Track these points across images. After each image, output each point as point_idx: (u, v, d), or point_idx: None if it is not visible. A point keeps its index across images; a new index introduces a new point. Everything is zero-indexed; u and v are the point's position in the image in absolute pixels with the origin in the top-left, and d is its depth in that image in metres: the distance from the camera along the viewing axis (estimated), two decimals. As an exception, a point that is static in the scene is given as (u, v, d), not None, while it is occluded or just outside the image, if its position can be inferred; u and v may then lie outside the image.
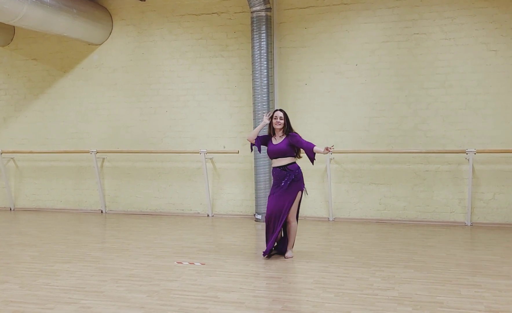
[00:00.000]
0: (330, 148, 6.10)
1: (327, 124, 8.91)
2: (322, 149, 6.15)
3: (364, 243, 7.13)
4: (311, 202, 9.04)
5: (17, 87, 10.58)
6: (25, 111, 10.55)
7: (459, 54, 8.28)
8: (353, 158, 8.83)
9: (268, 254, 6.34)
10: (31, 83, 10.50)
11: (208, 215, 9.52)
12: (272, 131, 6.38)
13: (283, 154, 6.24)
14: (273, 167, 6.33)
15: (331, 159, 8.73)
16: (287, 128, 6.33)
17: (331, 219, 8.88)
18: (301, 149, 6.36)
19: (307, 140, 6.31)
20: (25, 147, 10.51)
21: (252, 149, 6.66)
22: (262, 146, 6.54)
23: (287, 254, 6.34)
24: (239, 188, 9.41)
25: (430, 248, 6.77)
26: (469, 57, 8.25)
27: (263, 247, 6.72)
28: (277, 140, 6.32)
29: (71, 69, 10.24)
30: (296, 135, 6.31)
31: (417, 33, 8.44)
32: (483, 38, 8.18)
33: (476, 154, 8.09)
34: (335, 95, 8.85)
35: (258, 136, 6.45)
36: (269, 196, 6.40)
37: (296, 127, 8.76)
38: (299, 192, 6.27)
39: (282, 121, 6.28)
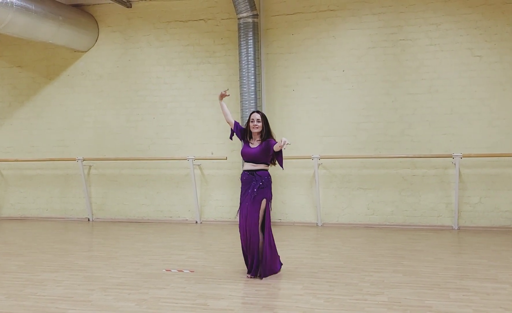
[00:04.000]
0: (283, 144, 5.39)
1: (314, 130, 8.93)
2: (278, 144, 5.52)
3: (353, 248, 7.15)
4: (299, 207, 9.05)
5: (2, 95, 10.45)
6: (10, 119, 10.43)
7: (444, 60, 8.37)
8: (341, 164, 8.87)
9: (253, 272, 5.78)
10: (16, 90, 10.38)
11: (196, 222, 9.48)
12: (249, 134, 5.85)
13: (255, 160, 5.72)
14: (243, 170, 5.83)
15: (319, 164, 8.75)
16: (266, 133, 5.75)
17: (319, 225, 8.89)
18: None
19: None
20: (10, 155, 10.38)
21: (231, 137, 6.06)
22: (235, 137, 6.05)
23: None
24: (228, 195, 9.39)
25: (418, 252, 6.82)
26: (454, 63, 8.34)
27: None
28: (254, 143, 5.80)
29: (57, 76, 10.15)
30: (271, 140, 5.74)
31: (403, 39, 8.52)
32: (467, 44, 8.28)
33: (462, 158, 8.17)
34: (322, 101, 8.89)
35: (237, 126, 5.91)
36: (240, 204, 5.86)
37: (284, 132, 8.84)
38: (264, 200, 5.69)
39: (260, 124, 5.72)
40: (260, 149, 5.72)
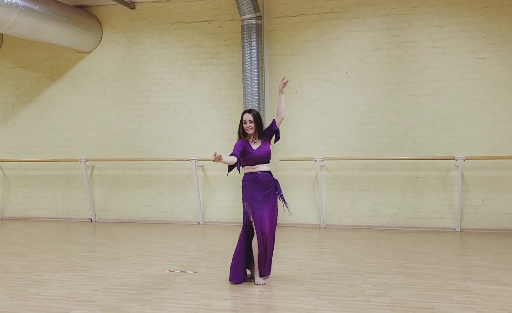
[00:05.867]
0: (283, 84, 5.47)
1: (317, 132, 8.94)
2: (280, 101, 5.55)
3: (356, 250, 7.15)
4: (302, 209, 9.06)
5: (5, 95, 10.49)
6: (13, 120, 10.46)
7: (447, 62, 8.38)
8: (344, 165, 8.88)
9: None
10: (19, 91, 10.42)
11: (199, 223, 9.49)
12: (243, 135, 5.50)
13: (269, 157, 5.53)
14: (260, 172, 5.45)
15: (322, 166, 8.75)
16: (260, 131, 5.52)
17: (322, 226, 8.90)
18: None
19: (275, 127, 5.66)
20: (13, 155, 10.41)
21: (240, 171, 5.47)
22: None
23: (258, 280, 5.56)
24: (230, 196, 9.40)
25: (420, 254, 6.81)
26: (457, 65, 8.35)
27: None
28: (256, 143, 5.50)
29: (60, 77, 10.19)
30: (264, 130, 5.62)
31: (406, 41, 8.53)
32: (470, 46, 8.29)
33: (465, 160, 8.17)
34: (325, 103, 8.90)
35: (235, 155, 5.29)
36: (258, 205, 5.41)
37: (287, 134, 8.85)
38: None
39: (253, 125, 5.42)
40: (268, 144, 5.59)
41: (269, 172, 5.60)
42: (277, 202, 5.65)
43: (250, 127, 5.44)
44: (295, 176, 9.08)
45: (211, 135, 9.41)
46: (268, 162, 5.59)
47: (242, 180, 5.58)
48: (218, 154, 5.02)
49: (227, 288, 5.49)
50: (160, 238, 8.24)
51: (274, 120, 5.69)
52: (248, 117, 5.44)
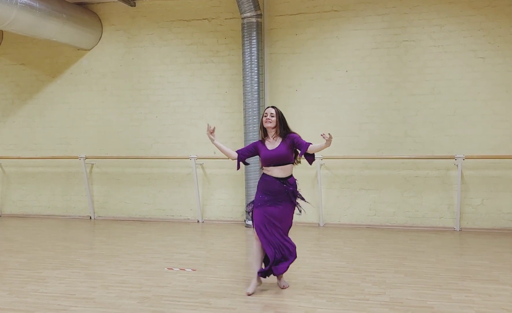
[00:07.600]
0: (325, 136, 4.98)
1: (317, 130, 8.88)
2: (322, 144, 5.09)
3: (355, 249, 7.15)
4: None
5: (5, 92, 10.47)
6: (13, 117, 10.45)
7: (448, 61, 8.37)
8: (343, 164, 8.87)
9: (263, 275, 5.33)
10: (19, 88, 10.40)
11: (198, 221, 9.49)
12: (263, 132, 5.36)
13: (284, 160, 5.20)
14: (272, 177, 5.23)
15: (321, 165, 8.75)
16: (282, 129, 5.28)
17: (321, 225, 8.89)
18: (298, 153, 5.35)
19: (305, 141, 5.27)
20: (12, 152, 10.40)
21: (238, 167, 5.55)
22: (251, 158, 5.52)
23: (283, 284, 5.44)
24: (230, 194, 9.40)
25: (420, 253, 6.81)
26: (457, 64, 8.34)
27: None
28: (273, 143, 5.28)
29: (60, 74, 10.17)
30: (296, 135, 5.29)
31: (406, 40, 8.52)
32: (471, 46, 8.28)
33: (465, 160, 8.17)
34: (325, 101, 8.89)
35: (240, 151, 5.46)
36: (256, 207, 5.26)
37: (287, 133, 8.83)
38: (296, 208, 5.40)
39: (274, 119, 5.23)
40: (285, 146, 5.23)
41: (284, 178, 5.24)
42: (284, 209, 5.28)
43: (269, 120, 5.22)
44: (295, 175, 9.02)
45: (211, 133, 9.39)
46: (286, 165, 5.25)
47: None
48: (211, 127, 5.44)
49: (225, 286, 5.49)
50: (159, 236, 8.24)
51: (309, 144, 5.22)
52: (270, 110, 5.27)
